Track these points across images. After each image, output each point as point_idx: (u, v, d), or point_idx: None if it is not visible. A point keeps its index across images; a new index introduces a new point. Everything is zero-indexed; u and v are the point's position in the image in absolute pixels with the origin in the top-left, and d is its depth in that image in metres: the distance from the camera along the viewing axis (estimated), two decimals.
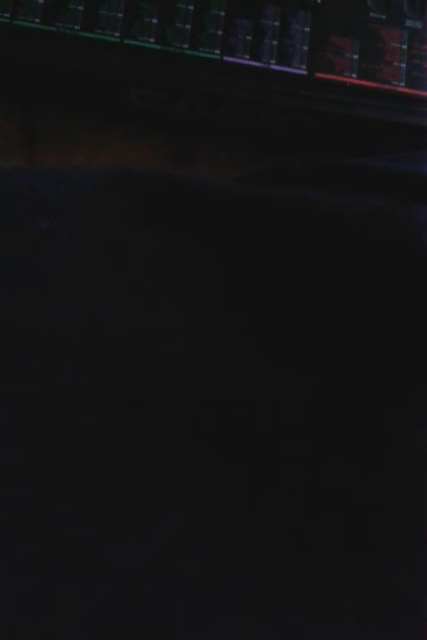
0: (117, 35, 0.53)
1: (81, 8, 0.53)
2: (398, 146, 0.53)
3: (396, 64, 0.54)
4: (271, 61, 0.54)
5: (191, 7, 0.53)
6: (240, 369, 0.25)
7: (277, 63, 0.54)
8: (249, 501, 0.23)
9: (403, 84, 0.54)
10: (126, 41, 0.53)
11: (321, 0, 0.54)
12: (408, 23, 0.55)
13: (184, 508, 0.22)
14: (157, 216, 0.28)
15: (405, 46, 0.54)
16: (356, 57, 0.54)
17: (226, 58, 0.53)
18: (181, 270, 0.27)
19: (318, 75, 0.54)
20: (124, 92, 0.55)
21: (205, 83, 0.53)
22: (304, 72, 0.54)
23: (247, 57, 0.54)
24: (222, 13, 0.54)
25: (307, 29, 0.54)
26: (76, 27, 0.52)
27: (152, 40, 0.53)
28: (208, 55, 0.53)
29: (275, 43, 0.54)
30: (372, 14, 0.55)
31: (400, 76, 0.54)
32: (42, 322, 0.25)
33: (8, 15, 0.52)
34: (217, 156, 0.59)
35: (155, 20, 0.53)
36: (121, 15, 0.53)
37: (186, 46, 0.53)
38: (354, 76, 0.54)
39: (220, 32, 0.53)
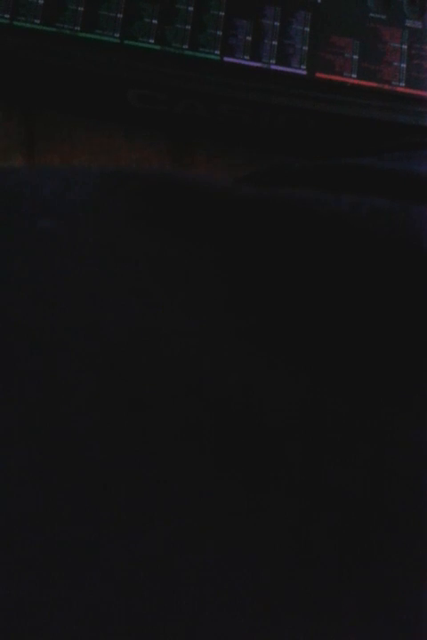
0: (117, 35, 0.53)
1: (81, 8, 0.53)
2: (399, 146, 0.53)
3: (396, 64, 0.54)
4: (271, 61, 0.54)
5: (191, 7, 0.53)
6: (240, 369, 0.25)
7: (278, 63, 0.54)
8: (249, 501, 0.23)
9: (403, 84, 0.54)
10: (126, 41, 0.53)
11: (321, 0, 0.54)
12: (408, 23, 0.55)
13: (184, 507, 0.22)
14: (156, 216, 0.28)
15: (405, 46, 0.54)
16: (356, 57, 0.54)
17: (226, 58, 0.53)
18: (181, 270, 0.27)
19: (318, 75, 0.54)
20: (124, 93, 0.55)
21: (205, 83, 0.53)
22: (304, 72, 0.54)
23: (247, 57, 0.54)
24: (222, 14, 0.54)
25: (307, 29, 0.54)
26: (76, 27, 0.53)
27: (152, 40, 0.53)
28: (208, 55, 0.53)
29: (275, 43, 0.54)
30: (372, 14, 0.55)
31: (400, 76, 0.54)
32: (42, 322, 0.25)
33: (8, 15, 0.52)
34: (217, 156, 0.59)
35: (155, 21, 0.53)
36: (121, 15, 0.53)
37: (186, 47, 0.53)
38: (354, 76, 0.54)
39: (220, 32, 0.53)
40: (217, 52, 0.53)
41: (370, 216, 0.28)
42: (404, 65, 0.54)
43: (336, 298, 0.26)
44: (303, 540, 0.22)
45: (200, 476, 0.23)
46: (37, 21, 0.52)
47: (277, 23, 0.54)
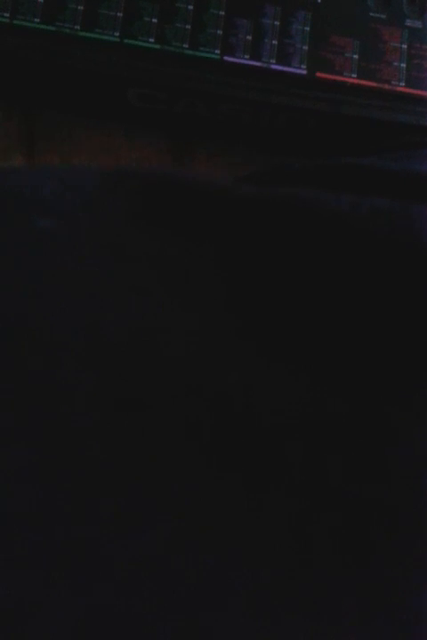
0: (117, 34, 0.53)
1: (81, 8, 0.53)
2: (399, 146, 0.53)
3: (396, 64, 0.54)
4: (271, 61, 0.54)
5: (191, 7, 0.53)
6: (240, 368, 0.25)
7: (278, 63, 0.54)
8: (249, 501, 0.23)
9: (403, 84, 0.54)
10: (126, 41, 0.53)
11: (321, 0, 0.54)
12: (408, 23, 0.55)
13: (184, 507, 0.22)
14: (156, 216, 0.28)
15: (405, 46, 0.54)
16: (356, 57, 0.54)
17: (226, 58, 0.53)
18: (181, 270, 0.27)
19: (318, 74, 0.54)
20: (124, 92, 0.55)
21: (205, 83, 0.53)
22: (304, 72, 0.54)
23: (247, 57, 0.54)
24: (222, 13, 0.54)
25: (307, 29, 0.54)
26: (76, 26, 0.52)
27: (152, 40, 0.53)
28: (208, 55, 0.53)
29: (275, 42, 0.54)
30: (372, 14, 0.55)
31: (400, 75, 0.54)
32: (42, 322, 0.25)
33: (8, 15, 0.52)
34: (217, 155, 0.59)
35: (155, 20, 0.53)
36: (121, 15, 0.53)
37: (186, 46, 0.53)
38: (354, 75, 0.54)
39: (220, 32, 0.53)
40: (217, 51, 0.53)
41: (370, 216, 0.28)
42: (404, 65, 0.54)
43: (336, 297, 0.26)
44: (303, 540, 0.22)
45: (200, 475, 0.23)
46: (37, 20, 0.52)
47: (277, 22, 0.54)
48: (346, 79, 0.54)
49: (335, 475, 0.23)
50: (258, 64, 0.53)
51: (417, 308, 0.26)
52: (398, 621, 0.22)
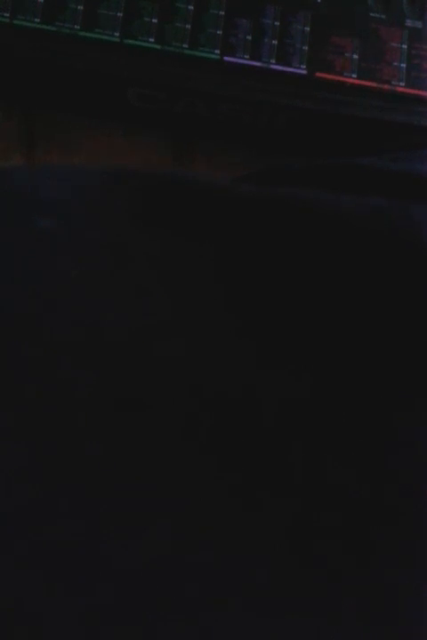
0: (117, 34, 0.53)
1: (81, 8, 0.53)
2: (399, 146, 0.53)
3: (396, 64, 0.54)
4: (271, 61, 0.54)
5: (191, 7, 0.53)
6: (240, 369, 0.25)
7: (277, 63, 0.54)
8: (249, 501, 0.23)
9: (403, 84, 0.54)
10: (126, 41, 0.53)
11: (321, 0, 0.54)
12: (408, 23, 0.55)
13: (184, 507, 0.22)
14: (157, 216, 0.28)
15: (405, 46, 0.54)
16: (356, 57, 0.54)
17: (226, 58, 0.53)
18: (182, 270, 0.27)
19: (318, 74, 0.54)
20: (124, 92, 0.55)
21: (205, 83, 0.53)
22: (304, 72, 0.54)
23: (247, 57, 0.54)
24: (222, 13, 0.54)
25: (307, 29, 0.54)
26: (76, 26, 0.52)
27: (152, 40, 0.53)
28: (208, 55, 0.53)
29: (275, 42, 0.54)
30: (372, 14, 0.55)
31: (400, 75, 0.54)
32: (42, 322, 0.25)
33: (8, 15, 0.52)
34: (217, 155, 0.59)
35: (155, 20, 0.53)
36: (121, 15, 0.53)
37: (186, 46, 0.53)
38: (354, 75, 0.54)
39: (220, 32, 0.53)
40: (217, 51, 0.53)
41: (370, 216, 0.28)
42: (404, 65, 0.54)
43: (336, 297, 0.26)
44: (304, 541, 0.22)
45: (200, 475, 0.23)
46: (37, 20, 0.52)
47: (277, 23, 0.54)
48: (346, 79, 0.54)
49: (336, 475, 0.23)
50: (258, 64, 0.53)
51: (417, 308, 0.26)
52: (398, 621, 0.22)
